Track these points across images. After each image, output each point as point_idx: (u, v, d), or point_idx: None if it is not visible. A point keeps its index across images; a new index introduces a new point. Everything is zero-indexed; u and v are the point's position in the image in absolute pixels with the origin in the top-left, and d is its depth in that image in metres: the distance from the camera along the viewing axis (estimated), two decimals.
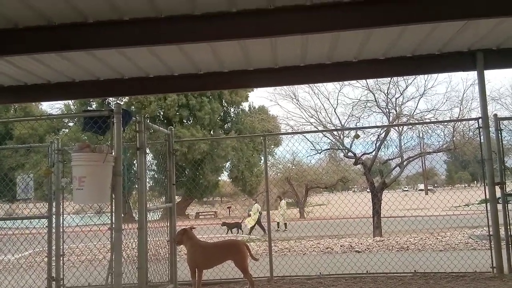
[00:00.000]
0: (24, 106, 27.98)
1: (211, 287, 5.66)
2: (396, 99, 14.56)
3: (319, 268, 6.34)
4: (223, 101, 31.56)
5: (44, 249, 6.35)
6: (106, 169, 4.09)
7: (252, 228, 16.26)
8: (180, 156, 24.61)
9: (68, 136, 24.25)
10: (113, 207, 4.14)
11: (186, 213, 32.48)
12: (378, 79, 14.04)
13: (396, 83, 14.32)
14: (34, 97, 6.59)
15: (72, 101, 25.80)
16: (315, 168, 20.95)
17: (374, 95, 14.63)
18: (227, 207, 37.54)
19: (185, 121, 29.40)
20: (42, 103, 29.33)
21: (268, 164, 7.22)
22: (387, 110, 14.65)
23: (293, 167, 26.17)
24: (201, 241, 5.55)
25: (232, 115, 34.02)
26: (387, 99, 14.59)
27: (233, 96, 30.79)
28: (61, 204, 5.80)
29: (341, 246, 9.27)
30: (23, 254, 9.03)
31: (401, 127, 14.30)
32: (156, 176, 6.04)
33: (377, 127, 14.57)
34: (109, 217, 4.15)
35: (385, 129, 13.47)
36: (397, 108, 14.62)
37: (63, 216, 5.78)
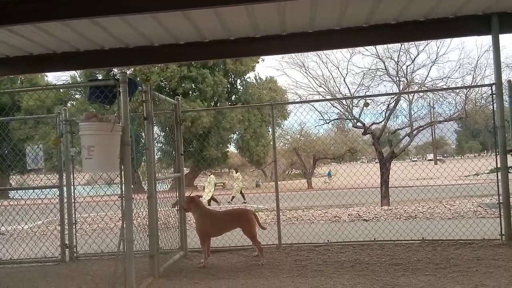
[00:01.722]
0: (30, 78, 27.98)
1: (220, 254, 5.76)
2: (407, 67, 14.26)
3: (326, 236, 6.41)
4: (228, 72, 31.09)
5: (56, 218, 6.50)
6: (114, 139, 4.09)
7: (209, 201, 16.71)
8: (185, 129, 24.63)
9: (76, 108, 24.32)
10: (123, 177, 4.17)
11: (195, 184, 32.89)
12: (389, 47, 13.69)
13: (407, 51, 13.98)
14: (40, 68, 6.53)
15: (78, 72, 25.72)
16: (323, 139, 20.91)
17: (384, 63, 14.34)
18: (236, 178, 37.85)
19: (190, 92, 29.19)
20: (47, 75, 29.39)
21: (276, 135, 7.17)
22: (397, 79, 14.39)
23: (301, 138, 26.12)
24: (210, 209, 5.63)
25: (239, 87, 33.65)
26: (397, 67, 14.29)
27: (238, 66, 30.22)
28: (72, 174, 5.88)
29: (348, 215, 9.34)
30: (36, 223, 9.27)
31: (412, 95, 14.04)
32: (163, 147, 6.04)
33: (387, 94, 14.32)
34: (119, 187, 4.19)
35: (395, 98, 13.26)
36: (407, 76, 14.34)
37: (73, 186, 5.87)
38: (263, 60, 32.46)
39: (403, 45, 13.66)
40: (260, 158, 33.21)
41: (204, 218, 5.31)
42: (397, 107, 13.90)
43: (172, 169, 6.01)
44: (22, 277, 5.02)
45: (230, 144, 33.56)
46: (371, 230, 6.63)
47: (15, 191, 5.97)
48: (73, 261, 5.85)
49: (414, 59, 14.15)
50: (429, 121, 14.38)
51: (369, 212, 9.58)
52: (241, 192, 19.12)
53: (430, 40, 12.92)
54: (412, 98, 14.19)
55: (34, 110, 23.36)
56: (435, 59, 14.12)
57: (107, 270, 4.83)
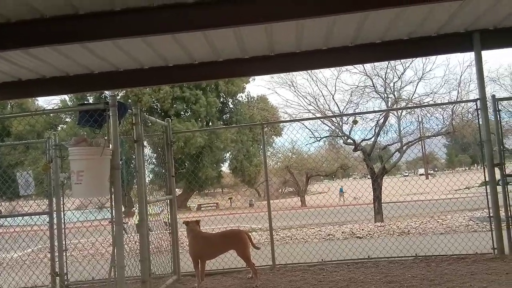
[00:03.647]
0: (20, 103, 27.88)
1: (214, 277, 5.68)
2: (394, 83, 14.55)
3: (320, 255, 6.36)
4: (220, 93, 31.39)
5: (46, 245, 6.37)
6: (104, 163, 4.07)
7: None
8: (177, 150, 24.56)
9: (66, 132, 24.19)
10: (113, 201, 4.13)
11: (188, 205, 32.59)
12: (376, 64, 13.97)
13: (394, 68, 14.29)
14: (30, 93, 6.53)
15: (69, 96, 25.72)
16: (314, 156, 20.99)
17: (372, 81, 14.60)
18: (228, 198, 37.69)
19: (182, 113, 29.30)
20: (38, 99, 29.29)
21: (267, 154, 7.18)
22: (385, 95, 14.63)
23: (293, 155, 26.19)
24: (203, 232, 5.56)
25: (231, 106, 33.91)
26: (385, 84, 14.56)
27: (229, 86, 30.60)
28: (62, 199, 5.79)
29: (342, 232, 9.30)
30: (25, 251, 9.06)
31: (400, 112, 14.29)
32: (155, 169, 6.03)
33: (375, 112, 14.53)
34: (110, 212, 4.14)
35: (384, 114, 13.47)
36: (395, 93, 14.61)
37: (63, 212, 5.77)
38: (254, 79, 32.91)
39: (389, 63, 13.97)
40: (251, 178, 33.16)
41: (196, 241, 5.25)
42: (386, 123, 14.10)
43: (164, 190, 5.97)
44: None
45: (223, 164, 33.54)
46: (364, 248, 6.60)
47: (4, 218, 5.85)
48: None
49: (400, 76, 14.48)
50: (418, 136, 14.58)
51: (362, 229, 9.56)
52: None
53: (415, 58, 13.23)
54: (401, 114, 14.44)
55: (24, 135, 23.20)
56: (422, 76, 14.46)
57: None
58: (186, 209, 29.32)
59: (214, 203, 36.71)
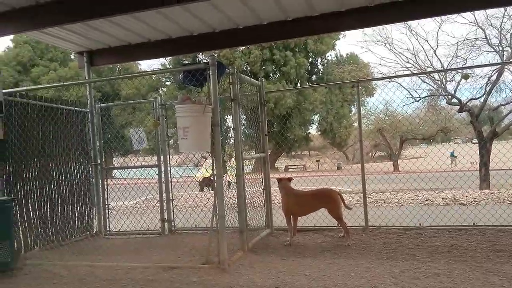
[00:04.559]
0: (126, 67, 30.66)
1: (306, 233, 5.81)
2: (511, 34, 12.59)
3: (418, 219, 6.07)
4: (309, 53, 30.60)
5: (155, 196, 7.12)
6: (206, 120, 4.33)
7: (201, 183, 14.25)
8: (267, 111, 24.97)
9: (167, 95, 26.12)
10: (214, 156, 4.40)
11: (276, 166, 33.42)
12: (489, 13, 12.21)
13: (511, 16, 12.32)
14: (137, 56, 7.09)
15: (167, 60, 27.48)
16: (411, 119, 19.57)
17: (485, 32, 12.82)
18: (316, 161, 37.67)
19: (271, 75, 29.44)
20: (141, 64, 31.90)
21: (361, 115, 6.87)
22: (501, 48, 12.79)
23: (386, 117, 24.79)
24: (295, 190, 5.67)
25: (320, 67, 33.00)
26: (500, 35, 12.70)
27: (319, 45, 29.57)
28: (168, 154, 6.38)
29: (442, 198, 8.71)
30: (137, 201, 10.27)
31: None
32: (246, 131, 6.22)
33: (489, 65, 12.72)
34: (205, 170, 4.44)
35: (498, 69, 11.82)
36: None
37: (170, 165, 6.37)
38: (344, 36, 31.35)
39: (506, 10, 12.08)
40: (342, 140, 32.47)
41: (289, 198, 5.39)
42: (500, 80, 12.41)
43: (253, 151, 6.17)
44: (129, 247, 5.65)
45: (311, 126, 33.32)
46: (470, 215, 6.11)
47: (120, 171, 6.68)
48: (172, 233, 6.41)
49: None
50: None
51: (466, 196, 8.83)
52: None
53: None
54: None
55: (131, 97, 25.58)
56: None
57: (202, 243, 5.19)
58: (274, 170, 30.11)
59: (301, 164, 37.06)
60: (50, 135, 5.97)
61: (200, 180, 13.86)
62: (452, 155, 25.45)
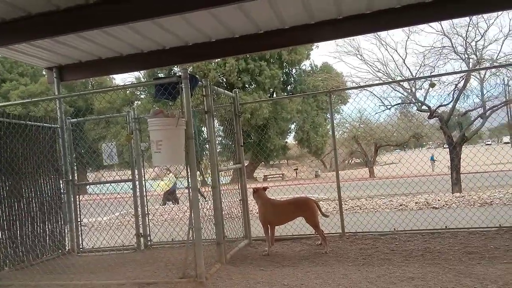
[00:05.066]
0: (100, 82, 30.20)
1: (284, 243, 5.83)
2: (476, 42, 13.19)
3: (392, 224, 6.20)
4: (284, 63, 31.02)
5: (129, 211, 6.98)
6: (180, 133, 4.32)
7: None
8: (244, 122, 25.05)
9: (141, 108, 25.83)
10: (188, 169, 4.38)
11: (254, 176, 33.40)
12: (455, 22, 12.78)
13: (476, 25, 12.92)
14: (109, 70, 7.01)
15: (142, 74, 27.23)
16: (383, 126, 20.03)
17: (451, 40, 13.37)
18: (294, 169, 37.91)
19: (247, 86, 29.62)
20: (115, 78, 31.47)
21: (334, 123, 6.99)
22: (466, 56, 13.36)
23: (361, 125, 25.30)
24: (272, 199, 5.69)
25: (295, 76, 33.48)
26: (465, 43, 13.27)
27: (293, 55, 30.05)
28: (142, 168, 6.30)
29: (416, 203, 8.93)
30: (111, 216, 10.03)
31: (483, 73, 12.93)
32: (223, 141, 6.22)
33: (455, 73, 13.26)
34: (181, 183, 4.41)
35: (464, 76, 12.32)
36: (477, 53, 13.26)
37: (145, 179, 6.28)
38: (317, 46, 31.98)
39: (471, 20, 12.66)
40: (318, 149, 32.85)
41: (266, 207, 5.41)
42: (467, 87, 12.93)
43: (231, 162, 6.18)
44: (103, 264, 5.49)
45: (288, 135, 33.60)
46: (441, 218, 6.29)
47: (93, 186, 6.53)
48: (147, 249, 6.29)
49: (483, 34, 13.07)
50: (504, 100, 13.21)
51: (438, 200, 9.08)
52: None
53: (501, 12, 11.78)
54: (484, 76, 13.11)
55: (104, 112, 25.20)
56: (508, 32, 12.91)
57: (179, 257, 5.11)
58: (252, 180, 30.10)
59: (280, 174, 37.21)
60: (19, 152, 5.79)
61: (162, 193, 13.31)
62: (431, 159, 26.20)
